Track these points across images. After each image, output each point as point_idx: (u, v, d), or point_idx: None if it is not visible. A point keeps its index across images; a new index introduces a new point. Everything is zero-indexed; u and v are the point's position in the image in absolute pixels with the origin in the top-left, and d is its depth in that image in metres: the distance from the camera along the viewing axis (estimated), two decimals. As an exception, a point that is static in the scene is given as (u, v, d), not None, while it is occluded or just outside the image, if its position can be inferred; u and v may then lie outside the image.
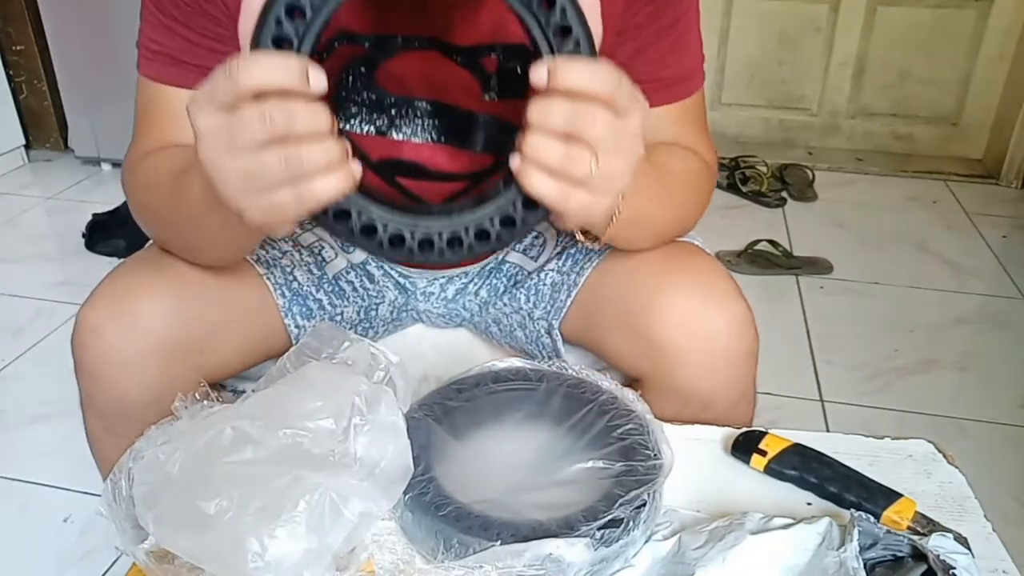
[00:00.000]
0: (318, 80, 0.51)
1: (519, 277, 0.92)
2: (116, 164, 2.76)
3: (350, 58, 0.74)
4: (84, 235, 2.24)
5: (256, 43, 0.52)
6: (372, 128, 0.79)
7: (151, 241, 0.83)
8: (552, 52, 0.55)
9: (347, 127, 0.78)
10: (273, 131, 0.50)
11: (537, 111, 0.53)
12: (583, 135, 0.53)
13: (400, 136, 0.80)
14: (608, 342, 0.82)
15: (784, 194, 2.62)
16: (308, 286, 0.87)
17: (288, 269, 0.86)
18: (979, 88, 2.81)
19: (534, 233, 0.94)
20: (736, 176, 2.66)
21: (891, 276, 2.17)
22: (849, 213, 2.55)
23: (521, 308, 0.89)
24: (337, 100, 0.76)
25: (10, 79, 2.75)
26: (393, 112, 0.77)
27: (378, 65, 0.75)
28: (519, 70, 0.73)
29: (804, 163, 2.79)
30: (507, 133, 0.78)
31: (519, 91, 0.66)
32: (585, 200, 0.55)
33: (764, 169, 2.67)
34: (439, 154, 0.80)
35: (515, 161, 0.54)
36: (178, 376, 0.74)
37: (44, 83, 2.77)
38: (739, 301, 0.78)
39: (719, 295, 0.78)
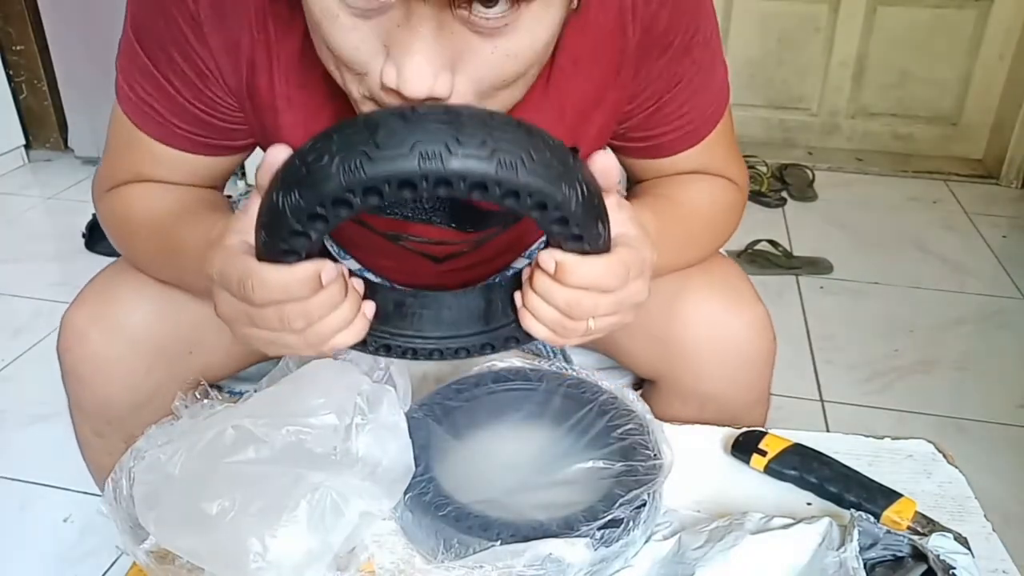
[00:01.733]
0: (331, 277, 0.53)
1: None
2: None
3: None
4: (84, 235, 2.24)
5: (267, 240, 0.52)
6: (378, 212, 0.77)
7: None
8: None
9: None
10: (292, 327, 0.53)
11: (540, 286, 0.55)
12: (583, 315, 0.56)
13: (408, 214, 0.77)
14: (624, 344, 0.82)
15: (784, 194, 2.62)
16: None
17: None
18: (979, 88, 2.81)
19: (540, 242, 0.93)
20: (736, 176, 2.66)
21: (891, 276, 2.17)
22: (849, 213, 2.54)
23: None
24: None
25: (10, 79, 2.74)
26: (399, 208, 0.75)
27: None
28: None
29: (804, 163, 2.79)
30: (519, 216, 0.77)
31: None
32: (581, 339, 0.58)
33: (764, 169, 2.67)
34: (446, 232, 0.78)
35: (518, 299, 0.58)
36: (165, 378, 0.74)
37: (44, 83, 2.77)
38: (758, 304, 0.78)
39: (739, 298, 0.78)
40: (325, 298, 0.53)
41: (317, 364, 0.66)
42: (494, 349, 0.63)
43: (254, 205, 0.53)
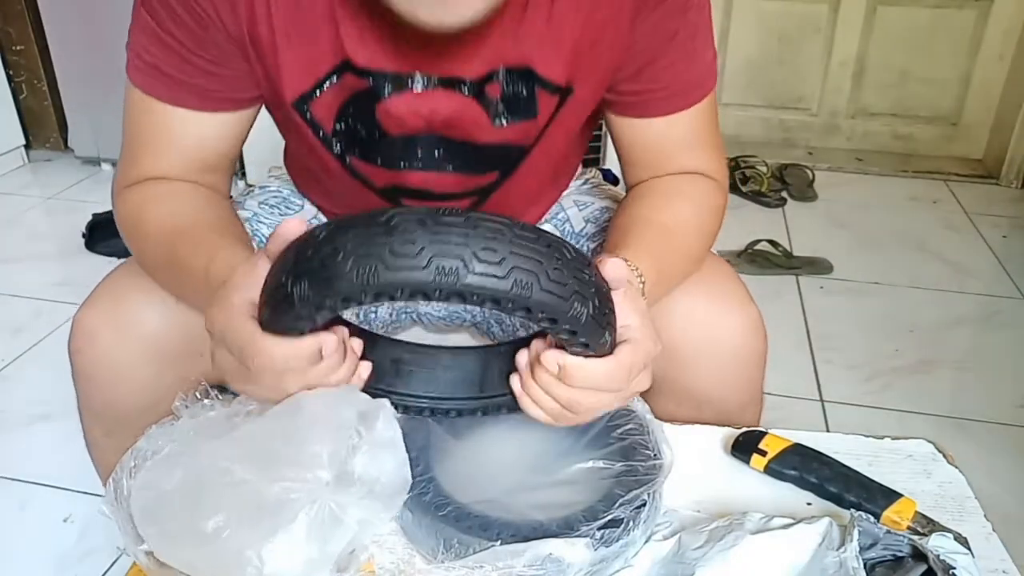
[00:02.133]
0: (331, 349, 0.56)
1: None
2: (116, 164, 2.75)
3: (354, 90, 0.73)
4: (84, 235, 2.24)
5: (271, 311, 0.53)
6: (377, 158, 0.78)
7: None
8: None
9: (351, 156, 0.78)
10: (287, 391, 0.56)
11: (543, 381, 0.58)
12: (584, 411, 0.59)
13: (405, 166, 0.78)
14: None
15: (784, 194, 2.62)
16: None
17: None
18: (979, 88, 2.81)
19: None
20: (736, 176, 2.66)
21: (891, 276, 2.17)
22: (849, 213, 2.54)
23: None
24: (341, 127, 0.75)
25: (10, 79, 2.74)
26: (397, 149, 0.77)
27: (381, 101, 0.73)
28: (526, 92, 0.73)
29: (804, 163, 2.79)
30: (516, 153, 0.78)
31: (529, 112, 0.73)
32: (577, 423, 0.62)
33: (764, 169, 2.67)
34: (445, 179, 0.79)
35: (516, 384, 0.61)
36: (175, 380, 0.73)
37: (44, 83, 2.77)
38: (750, 305, 0.79)
39: (730, 299, 0.78)
40: (323, 367, 0.56)
41: (310, 394, 0.66)
42: (485, 413, 0.66)
43: (260, 267, 0.54)
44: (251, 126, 0.79)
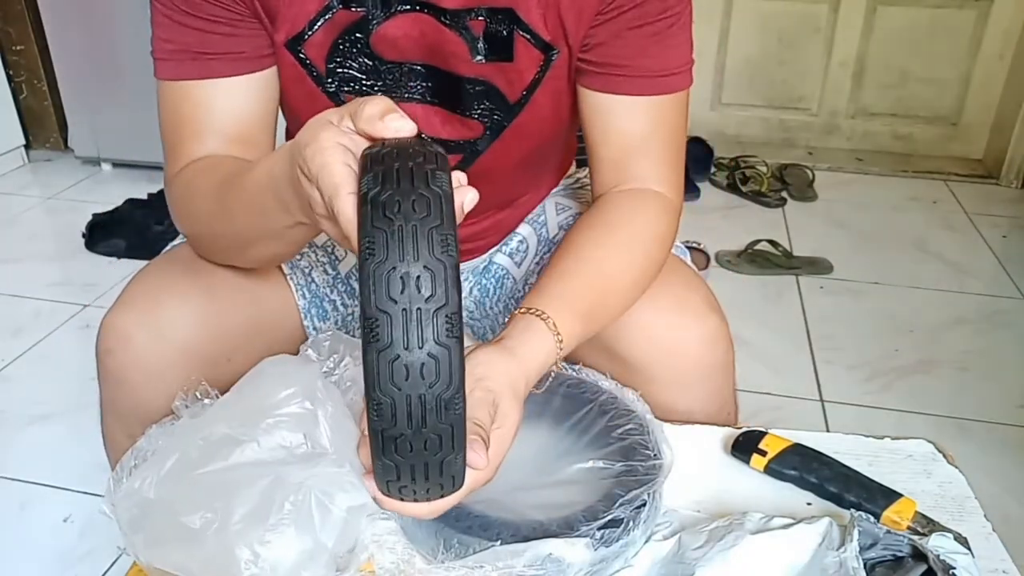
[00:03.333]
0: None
1: (506, 281, 0.93)
2: (116, 164, 2.75)
3: (346, 24, 0.75)
4: (84, 235, 2.24)
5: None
6: (369, 91, 0.79)
7: (169, 246, 0.83)
8: None
9: (344, 91, 0.79)
10: None
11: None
12: None
13: (395, 98, 0.78)
14: (586, 359, 0.81)
15: (784, 194, 2.62)
16: (324, 287, 0.88)
17: (307, 270, 0.87)
18: (979, 88, 2.81)
19: (519, 238, 0.95)
20: (736, 176, 2.66)
21: (891, 276, 2.17)
22: (849, 213, 2.55)
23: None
24: (334, 65, 0.77)
25: (10, 79, 2.74)
26: (388, 77, 0.78)
27: (372, 30, 0.75)
28: (505, 33, 0.75)
29: (804, 163, 2.79)
30: (493, 97, 0.79)
31: (505, 53, 0.75)
32: None
33: (764, 169, 2.67)
34: (433, 117, 0.79)
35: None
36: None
37: (44, 83, 2.77)
38: (711, 314, 0.78)
39: (689, 310, 0.77)
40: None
41: (271, 361, 0.66)
42: None
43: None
44: (278, 95, 0.80)
